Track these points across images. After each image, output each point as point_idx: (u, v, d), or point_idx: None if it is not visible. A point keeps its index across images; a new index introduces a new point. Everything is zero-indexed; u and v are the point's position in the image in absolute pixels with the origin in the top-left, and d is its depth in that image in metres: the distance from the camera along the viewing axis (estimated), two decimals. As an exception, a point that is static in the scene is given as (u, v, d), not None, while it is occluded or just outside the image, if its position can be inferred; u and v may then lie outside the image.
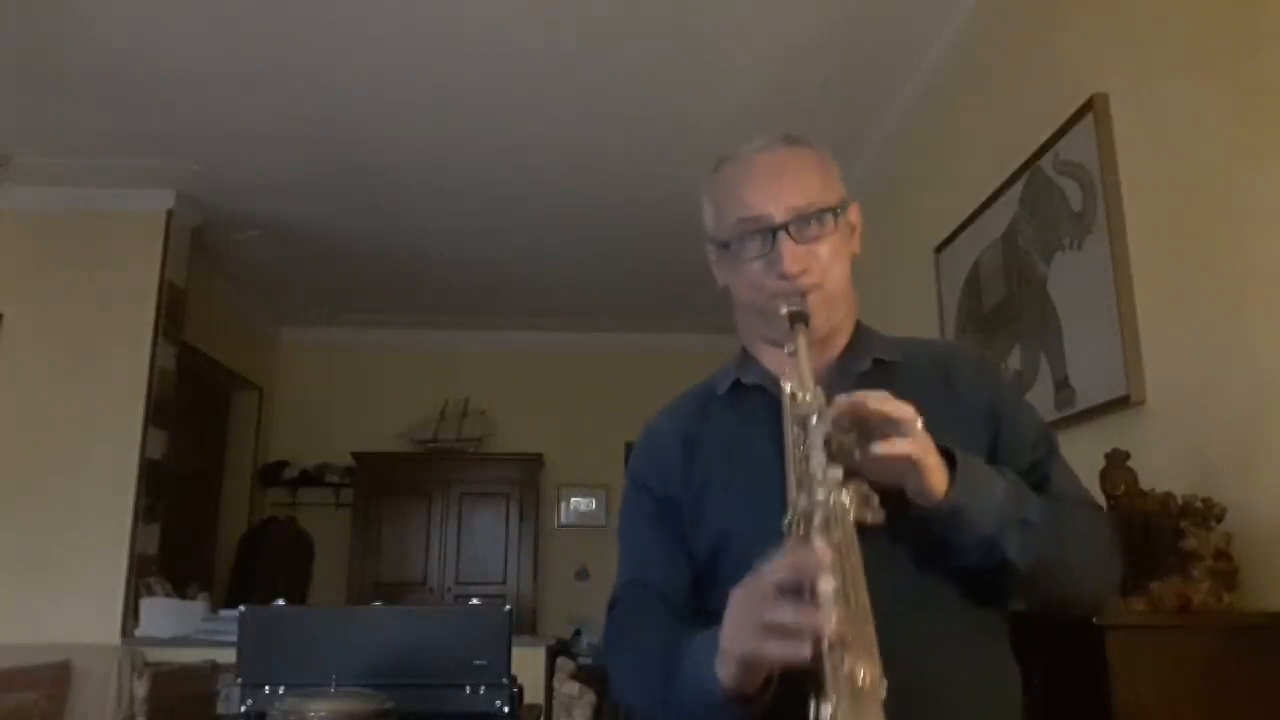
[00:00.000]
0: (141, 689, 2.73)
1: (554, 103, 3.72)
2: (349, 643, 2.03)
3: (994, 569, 0.92)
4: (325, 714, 1.64)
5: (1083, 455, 2.11)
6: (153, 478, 4.23)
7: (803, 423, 0.91)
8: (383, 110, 3.77)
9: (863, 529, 0.83)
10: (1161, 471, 1.83)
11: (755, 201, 1.04)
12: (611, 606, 1.10)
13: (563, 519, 6.63)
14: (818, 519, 0.81)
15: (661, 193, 4.48)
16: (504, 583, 6.20)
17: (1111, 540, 1.04)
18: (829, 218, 1.04)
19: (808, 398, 0.92)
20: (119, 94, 3.63)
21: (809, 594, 0.75)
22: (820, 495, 0.83)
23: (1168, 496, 1.72)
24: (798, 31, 3.23)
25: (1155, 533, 1.70)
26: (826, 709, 0.71)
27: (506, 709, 1.98)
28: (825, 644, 0.72)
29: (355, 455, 6.37)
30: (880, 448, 0.86)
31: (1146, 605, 1.60)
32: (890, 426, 0.87)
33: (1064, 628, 1.72)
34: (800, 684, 0.76)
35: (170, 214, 4.40)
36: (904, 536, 0.92)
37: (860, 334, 1.12)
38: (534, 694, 3.15)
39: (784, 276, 1.02)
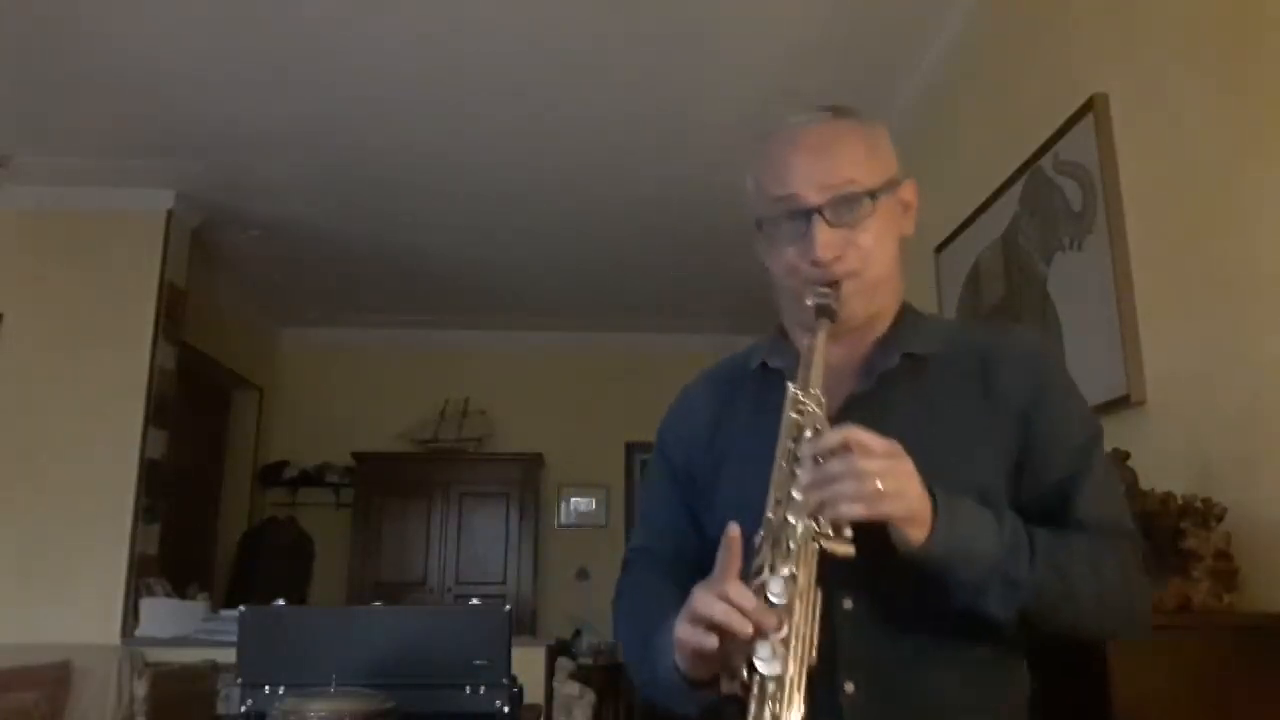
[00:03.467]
0: (141, 689, 2.73)
1: (554, 103, 3.71)
2: (349, 643, 2.02)
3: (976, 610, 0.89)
4: (325, 714, 1.64)
5: (1083, 455, 2.12)
6: (153, 478, 4.23)
7: (797, 434, 0.89)
8: (383, 110, 3.77)
9: (856, 561, 0.83)
10: (1161, 471, 1.83)
11: (791, 180, 0.99)
12: (625, 566, 1.14)
13: (563, 519, 6.63)
14: (786, 545, 0.83)
15: (662, 193, 4.48)
16: (504, 583, 6.19)
17: (1132, 577, 0.95)
18: (868, 201, 0.98)
19: (810, 407, 0.90)
20: (119, 94, 3.63)
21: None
22: (793, 518, 0.83)
23: (1168, 496, 1.72)
24: (798, 31, 3.23)
25: (1155, 533, 1.69)
26: None
27: (506, 709, 1.97)
28: (755, 685, 0.77)
29: (355, 455, 6.36)
30: (844, 509, 0.83)
31: (1146, 605, 1.60)
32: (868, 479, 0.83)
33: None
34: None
35: (170, 214, 4.39)
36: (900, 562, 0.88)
37: (902, 321, 1.05)
38: (534, 694, 3.15)
39: (816, 263, 0.97)
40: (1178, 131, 2.00)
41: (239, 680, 1.98)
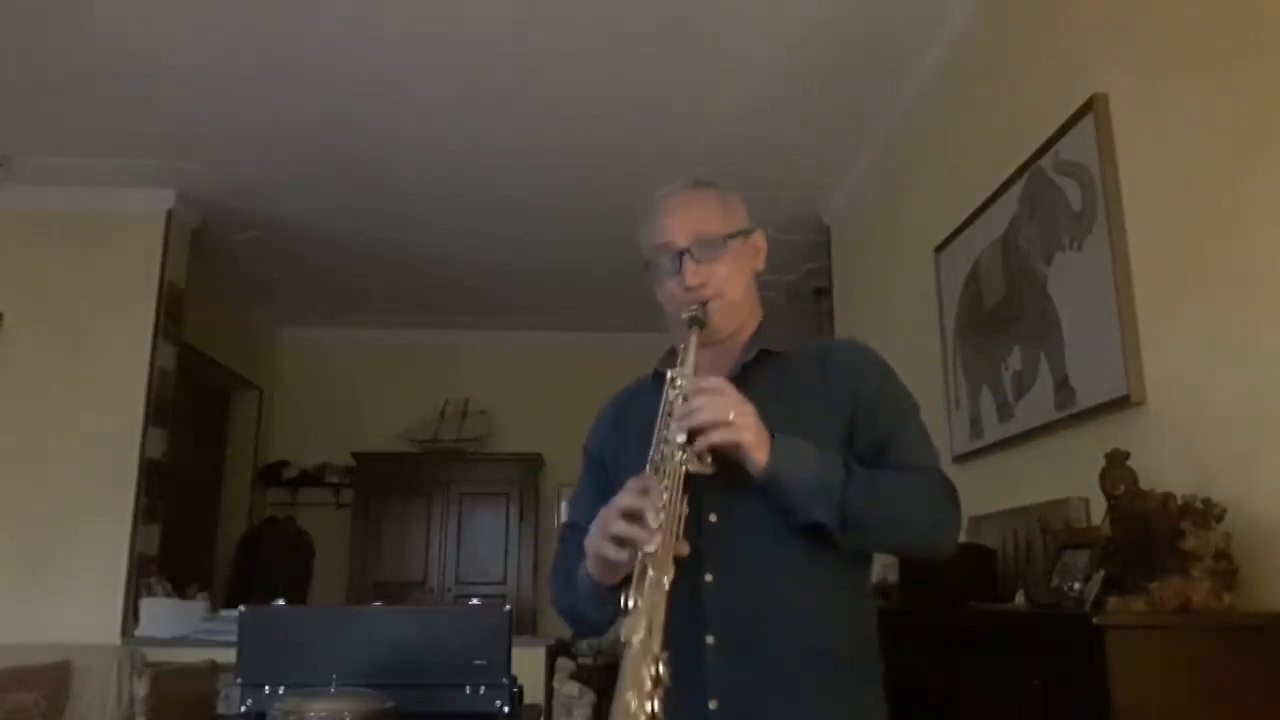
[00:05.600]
0: (141, 689, 2.73)
1: (554, 103, 3.71)
2: (349, 643, 2.02)
3: (811, 524, 1.16)
4: (325, 714, 1.64)
5: (1083, 455, 2.12)
6: (153, 478, 4.23)
7: (672, 400, 1.18)
8: (383, 110, 3.77)
9: (720, 488, 1.15)
10: (1161, 471, 1.83)
11: (666, 230, 1.31)
12: (559, 541, 1.42)
13: (563, 519, 6.61)
14: (664, 469, 1.11)
15: (661, 193, 4.48)
16: (504, 583, 6.20)
17: (936, 496, 1.22)
18: (724, 242, 1.30)
19: (680, 381, 1.19)
20: (119, 94, 3.63)
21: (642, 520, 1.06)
22: (666, 451, 1.12)
23: (1168, 496, 1.72)
24: (797, 32, 3.23)
25: (1155, 533, 1.70)
26: (630, 598, 0.99)
27: (506, 709, 1.97)
28: (641, 554, 1.02)
29: (355, 455, 6.37)
30: (700, 440, 1.11)
31: (1146, 605, 1.60)
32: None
33: (1064, 627, 1.72)
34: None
35: (170, 214, 4.40)
36: (760, 494, 1.17)
37: (760, 333, 1.36)
38: (534, 694, 3.15)
39: (687, 289, 1.28)
40: (1178, 131, 2.00)
41: (239, 680, 1.99)
